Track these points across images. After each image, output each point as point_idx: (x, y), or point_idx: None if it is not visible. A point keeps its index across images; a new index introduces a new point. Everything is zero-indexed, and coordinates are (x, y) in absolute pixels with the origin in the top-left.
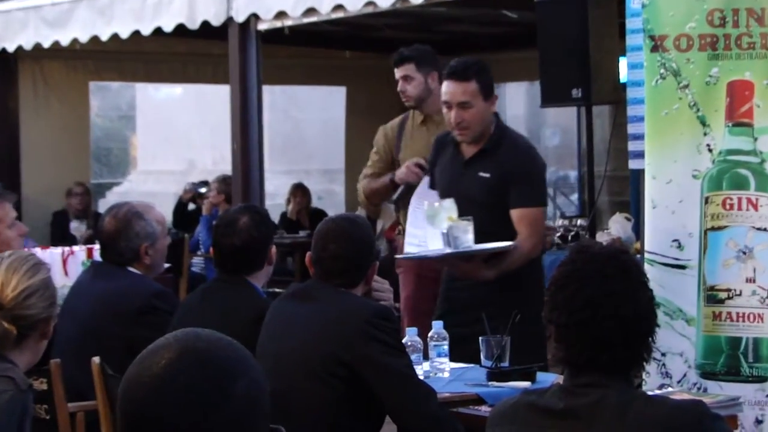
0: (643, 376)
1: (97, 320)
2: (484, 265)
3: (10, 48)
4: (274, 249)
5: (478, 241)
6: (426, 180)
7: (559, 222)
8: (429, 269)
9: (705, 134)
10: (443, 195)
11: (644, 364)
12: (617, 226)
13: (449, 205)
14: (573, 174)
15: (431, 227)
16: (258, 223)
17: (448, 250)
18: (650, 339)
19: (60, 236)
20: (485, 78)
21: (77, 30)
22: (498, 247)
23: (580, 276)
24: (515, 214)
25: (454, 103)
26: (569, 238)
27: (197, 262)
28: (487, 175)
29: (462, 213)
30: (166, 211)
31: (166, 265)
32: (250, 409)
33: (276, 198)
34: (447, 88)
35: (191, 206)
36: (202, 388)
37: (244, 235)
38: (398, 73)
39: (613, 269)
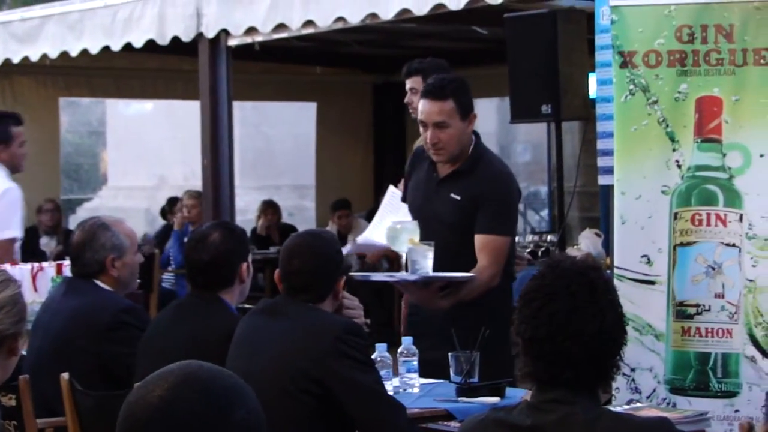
0: (613, 392)
1: (68, 336)
2: (439, 294)
3: None
4: (245, 266)
5: (446, 262)
6: (395, 192)
7: (530, 238)
8: None
9: (674, 150)
10: (414, 211)
11: (611, 381)
12: (587, 242)
13: (412, 227)
14: (543, 189)
15: (395, 247)
16: (228, 240)
17: (404, 275)
18: (617, 357)
19: (30, 252)
20: (463, 97)
21: (47, 46)
22: (456, 277)
23: (547, 291)
24: (478, 239)
25: (429, 122)
26: (539, 253)
27: (168, 278)
28: (458, 197)
29: (432, 233)
30: (137, 226)
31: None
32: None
33: (246, 214)
34: (422, 106)
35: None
36: (203, 414)
37: (213, 251)
38: (407, 84)
39: (580, 286)
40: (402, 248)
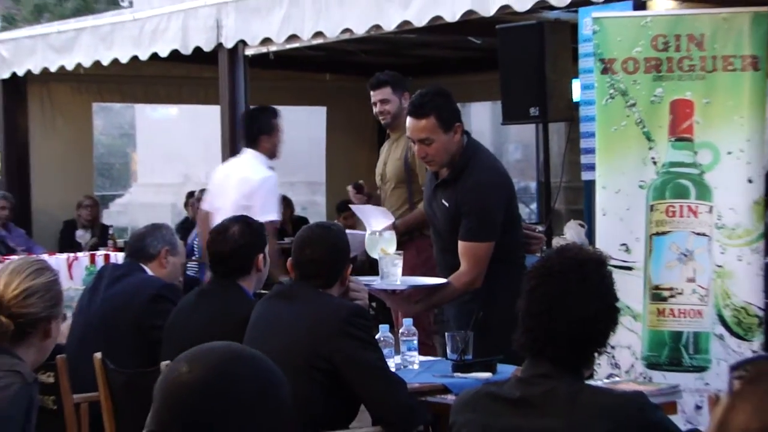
0: (595, 366)
1: (113, 309)
2: (410, 299)
3: (20, 72)
4: (261, 257)
5: (443, 260)
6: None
7: None
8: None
9: (650, 148)
10: (427, 214)
11: (593, 362)
12: (572, 232)
13: (388, 237)
14: (533, 184)
15: (371, 254)
16: (246, 233)
17: (377, 283)
18: (601, 344)
19: (68, 244)
20: (444, 111)
21: (81, 55)
22: (428, 284)
23: (545, 272)
24: (460, 246)
25: (415, 139)
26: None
27: (191, 267)
28: (447, 204)
29: (435, 232)
30: (163, 220)
31: None
32: (288, 414)
33: None
34: (408, 123)
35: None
36: (258, 389)
37: (233, 243)
38: (376, 96)
39: (574, 274)
40: (375, 255)
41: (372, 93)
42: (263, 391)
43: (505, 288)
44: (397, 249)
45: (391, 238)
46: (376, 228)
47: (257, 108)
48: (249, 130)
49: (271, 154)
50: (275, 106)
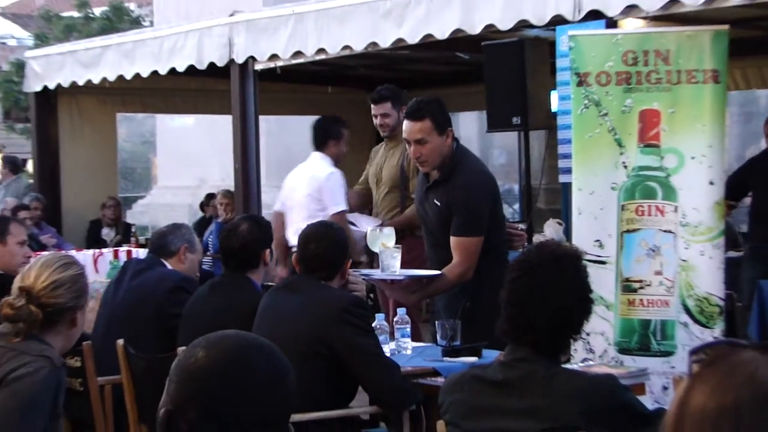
0: (571, 352)
1: (132, 305)
2: (408, 290)
3: (51, 85)
4: (267, 252)
5: (435, 254)
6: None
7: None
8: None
9: (621, 154)
10: (419, 213)
11: (569, 348)
12: (550, 230)
13: (388, 233)
14: (516, 186)
15: (372, 249)
16: (254, 230)
17: (378, 274)
18: (575, 332)
19: (94, 240)
20: (438, 115)
21: (106, 70)
22: (425, 275)
23: (525, 266)
24: (452, 240)
25: (411, 140)
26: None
27: (206, 261)
28: (438, 203)
29: (427, 229)
30: (181, 219)
31: None
32: (293, 399)
33: (270, 208)
34: (405, 126)
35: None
36: (269, 373)
37: (242, 239)
38: (378, 109)
39: (551, 267)
40: (376, 249)
41: (373, 106)
42: (272, 377)
43: (490, 281)
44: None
45: (391, 233)
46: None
47: (329, 117)
48: (319, 135)
49: (336, 158)
50: (341, 117)
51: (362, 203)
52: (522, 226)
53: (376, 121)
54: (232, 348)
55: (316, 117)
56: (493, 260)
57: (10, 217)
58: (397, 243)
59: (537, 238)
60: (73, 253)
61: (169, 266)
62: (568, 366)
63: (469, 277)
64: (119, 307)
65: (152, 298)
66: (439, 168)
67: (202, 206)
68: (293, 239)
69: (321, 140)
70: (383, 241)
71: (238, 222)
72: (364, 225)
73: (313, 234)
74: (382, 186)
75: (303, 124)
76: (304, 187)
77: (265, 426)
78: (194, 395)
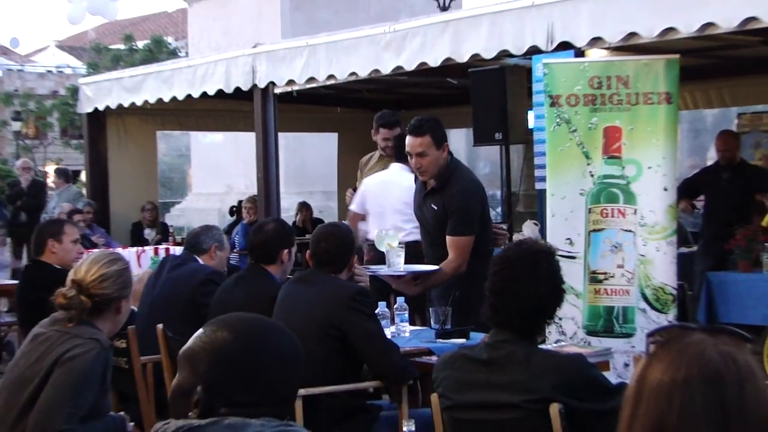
0: (546, 334)
1: (169, 295)
2: (411, 282)
3: (101, 107)
4: (287, 252)
5: (432, 251)
6: None
7: None
8: None
9: (588, 164)
10: (416, 215)
11: (544, 330)
12: (528, 230)
13: (392, 234)
14: (498, 193)
15: (378, 248)
16: (278, 231)
17: (392, 270)
18: (549, 317)
19: (137, 240)
20: (437, 132)
21: (147, 94)
22: (424, 270)
23: (505, 260)
24: (448, 239)
25: (413, 153)
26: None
27: (233, 257)
28: (435, 207)
29: (425, 231)
30: (211, 222)
31: None
32: (301, 376)
33: (289, 212)
34: (408, 141)
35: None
36: (285, 346)
37: (264, 236)
38: (386, 134)
39: (527, 261)
40: (383, 248)
41: (384, 130)
42: (287, 356)
43: (478, 273)
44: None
45: (395, 235)
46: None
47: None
48: (402, 149)
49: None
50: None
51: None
52: (504, 226)
53: (382, 143)
54: (253, 329)
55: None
56: (480, 256)
57: (64, 219)
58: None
59: (516, 237)
60: (119, 250)
61: (201, 262)
62: (543, 346)
63: (462, 271)
64: (158, 297)
65: (186, 289)
66: (436, 177)
67: (234, 211)
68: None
69: (403, 153)
70: (389, 241)
71: (267, 221)
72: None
73: (324, 234)
74: None
75: (316, 140)
76: (397, 195)
77: (281, 400)
78: (227, 373)
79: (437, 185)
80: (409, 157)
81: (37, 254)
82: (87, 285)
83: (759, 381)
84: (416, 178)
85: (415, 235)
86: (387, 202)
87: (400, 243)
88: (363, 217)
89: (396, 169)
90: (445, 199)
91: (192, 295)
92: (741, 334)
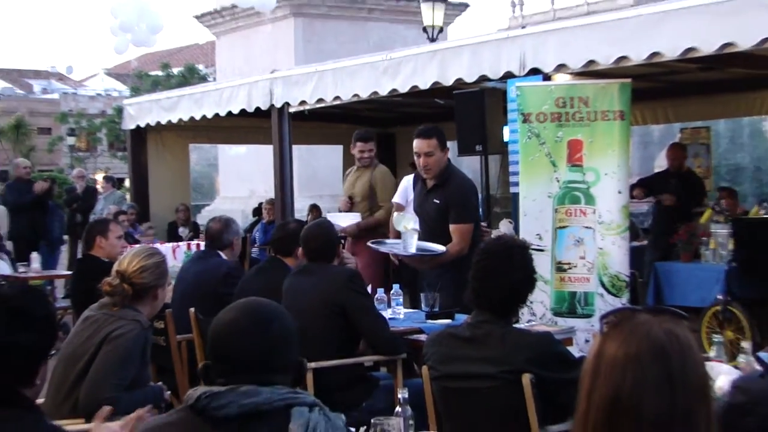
0: (520, 315)
1: (201, 282)
2: (420, 261)
3: (142, 124)
4: (300, 250)
5: (433, 239)
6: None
7: None
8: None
9: (555, 171)
10: (416, 211)
11: (518, 311)
12: (504, 227)
13: (410, 217)
14: (479, 196)
15: (396, 228)
16: (297, 230)
17: (402, 250)
18: (522, 301)
19: (173, 236)
20: (441, 137)
21: (182, 113)
22: (433, 252)
23: (484, 253)
24: (451, 227)
25: (422, 153)
26: None
27: (254, 252)
28: (438, 201)
29: (425, 225)
30: (237, 219)
31: None
32: (282, 338)
33: (302, 212)
34: (416, 143)
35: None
36: (254, 325)
37: (284, 232)
38: (363, 146)
39: (503, 253)
40: (400, 229)
41: (358, 143)
42: (284, 331)
43: (466, 264)
44: (357, 243)
45: (412, 217)
46: (342, 224)
47: None
48: None
49: None
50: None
51: (347, 209)
52: (485, 224)
53: (360, 154)
54: (257, 311)
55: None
56: (473, 246)
57: (110, 218)
58: (363, 239)
59: (494, 233)
60: (157, 245)
61: (223, 256)
62: (517, 326)
63: (465, 253)
64: (189, 286)
65: (211, 281)
66: (437, 176)
67: (257, 211)
68: None
69: None
70: (405, 223)
71: (290, 221)
72: (341, 221)
73: (311, 236)
74: (357, 198)
75: (324, 152)
76: None
77: (284, 369)
78: (229, 350)
79: (438, 182)
80: (416, 158)
81: (88, 249)
82: (129, 275)
83: (697, 353)
84: (415, 182)
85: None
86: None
87: (358, 244)
88: (403, 207)
89: None
90: (447, 193)
91: (215, 287)
92: (679, 313)
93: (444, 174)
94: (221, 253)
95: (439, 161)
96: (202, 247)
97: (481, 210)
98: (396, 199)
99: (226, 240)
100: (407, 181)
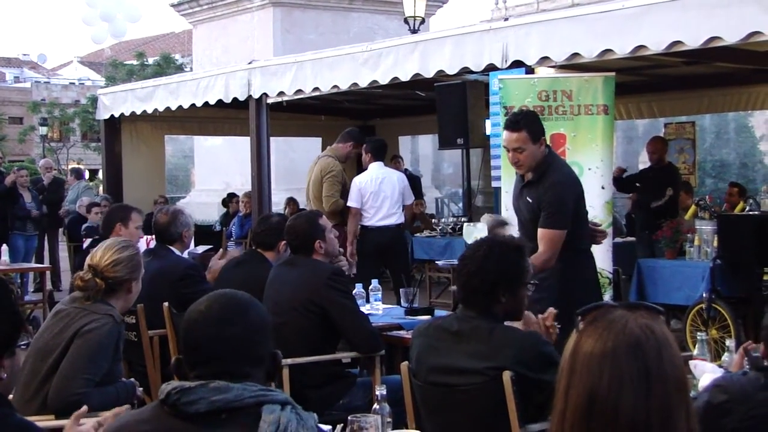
0: None
1: (157, 283)
2: None
3: (116, 114)
4: (283, 244)
5: (529, 241)
6: None
7: (451, 219)
8: None
9: None
10: (514, 208)
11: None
12: (485, 221)
13: (480, 228)
14: (460, 190)
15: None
16: (280, 224)
17: None
18: (503, 296)
19: (149, 228)
20: (533, 126)
21: (157, 103)
22: None
23: (472, 251)
24: (539, 232)
25: (510, 148)
26: (457, 228)
27: (230, 245)
28: (530, 200)
29: (521, 226)
30: (212, 214)
31: (209, 247)
32: (256, 328)
33: (279, 206)
34: (504, 136)
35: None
36: (227, 315)
37: (265, 226)
38: (350, 149)
39: (486, 251)
40: (470, 241)
41: (354, 145)
42: (253, 324)
43: (571, 270)
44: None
45: (483, 228)
46: None
47: (382, 140)
48: (381, 151)
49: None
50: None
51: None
52: (598, 222)
53: (350, 154)
54: (226, 302)
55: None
56: (573, 252)
57: (133, 206)
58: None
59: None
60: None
61: (175, 251)
62: (506, 323)
63: (551, 265)
64: (146, 283)
65: (166, 285)
66: (534, 170)
67: (225, 203)
68: (379, 222)
69: (383, 155)
70: (477, 234)
71: (272, 215)
72: None
73: (289, 229)
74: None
75: (302, 144)
76: (394, 186)
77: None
78: (201, 340)
79: (534, 178)
80: (506, 152)
81: (106, 234)
82: (101, 269)
83: (673, 347)
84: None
85: (400, 218)
86: (382, 194)
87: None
88: (359, 211)
89: (379, 167)
90: (540, 191)
91: (175, 291)
92: (656, 308)
93: (541, 168)
94: (172, 247)
95: (532, 155)
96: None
97: (461, 204)
98: (351, 203)
99: (175, 233)
100: (359, 182)
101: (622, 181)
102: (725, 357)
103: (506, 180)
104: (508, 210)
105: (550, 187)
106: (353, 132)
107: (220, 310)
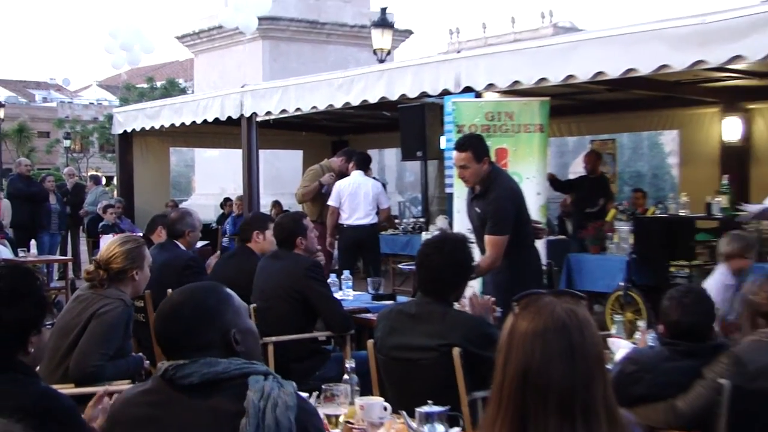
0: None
1: (162, 274)
2: None
3: (129, 130)
4: (262, 236)
5: (478, 245)
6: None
7: (411, 220)
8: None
9: None
10: (468, 216)
11: (458, 294)
12: (440, 222)
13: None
14: (419, 195)
15: None
16: (251, 219)
17: None
18: (455, 285)
19: (150, 229)
20: (477, 148)
21: (163, 120)
22: None
23: (428, 246)
24: (485, 238)
25: (457, 165)
26: (416, 227)
27: (225, 241)
28: (479, 210)
29: (473, 229)
30: (209, 215)
31: (206, 242)
32: (195, 318)
33: (266, 208)
34: (453, 155)
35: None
36: (169, 311)
37: (242, 224)
38: (342, 163)
39: (437, 245)
40: None
41: (341, 160)
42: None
43: (522, 262)
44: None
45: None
46: None
47: (365, 153)
48: (366, 162)
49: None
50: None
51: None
52: (539, 220)
53: (338, 170)
54: (191, 291)
55: (292, 151)
56: (523, 247)
57: (271, 216)
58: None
59: (432, 228)
60: (139, 235)
61: (180, 246)
62: (456, 307)
63: (497, 265)
64: (155, 272)
65: (172, 273)
66: (480, 184)
67: (221, 205)
68: (356, 221)
69: (366, 165)
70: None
71: (268, 215)
72: None
73: (279, 225)
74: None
75: (286, 155)
76: (368, 192)
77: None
78: (168, 326)
79: (480, 191)
80: (455, 168)
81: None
82: (103, 261)
83: (593, 327)
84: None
85: (374, 219)
86: (359, 197)
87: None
88: (337, 209)
89: (359, 174)
90: (485, 203)
91: (178, 278)
92: (578, 294)
93: (486, 182)
94: (177, 242)
95: (475, 172)
96: None
97: (420, 207)
98: (331, 203)
99: (179, 230)
100: (339, 186)
101: (560, 183)
102: (637, 335)
103: (457, 187)
104: (459, 212)
105: (493, 200)
106: (352, 153)
107: (166, 307)
